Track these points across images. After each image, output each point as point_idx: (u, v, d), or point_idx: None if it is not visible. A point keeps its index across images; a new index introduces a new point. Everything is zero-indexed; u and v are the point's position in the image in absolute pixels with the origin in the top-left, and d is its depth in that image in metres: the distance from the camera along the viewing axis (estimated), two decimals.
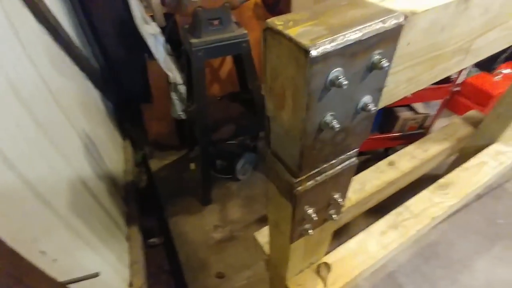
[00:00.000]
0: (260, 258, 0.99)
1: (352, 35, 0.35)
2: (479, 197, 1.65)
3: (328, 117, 0.41)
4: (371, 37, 0.36)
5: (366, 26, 0.36)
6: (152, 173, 2.01)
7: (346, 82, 0.36)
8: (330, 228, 0.74)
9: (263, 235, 0.95)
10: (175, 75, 1.67)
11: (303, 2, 1.63)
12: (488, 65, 0.94)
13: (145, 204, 1.79)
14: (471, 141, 1.40)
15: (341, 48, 0.35)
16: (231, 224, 1.65)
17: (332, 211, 0.63)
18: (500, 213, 1.57)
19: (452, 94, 1.64)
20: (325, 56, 0.34)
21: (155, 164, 2.06)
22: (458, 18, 0.47)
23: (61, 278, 0.74)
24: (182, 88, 1.74)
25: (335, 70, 0.36)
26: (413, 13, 0.40)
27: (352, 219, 1.23)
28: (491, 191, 1.68)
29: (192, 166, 2.01)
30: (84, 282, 0.81)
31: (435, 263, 1.39)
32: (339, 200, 0.60)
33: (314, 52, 0.33)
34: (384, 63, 0.38)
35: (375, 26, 0.37)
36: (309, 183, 0.52)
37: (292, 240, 0.62)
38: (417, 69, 0.50)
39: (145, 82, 1.87)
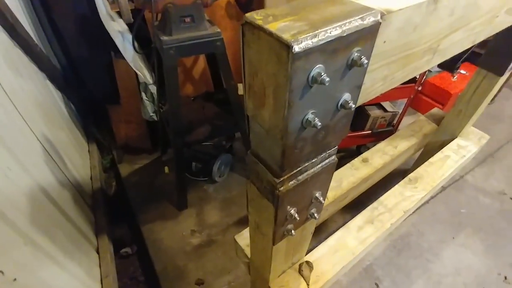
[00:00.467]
0: (240, 261, 0.97)
1: (333, 31, 0.35)
2: (443, 189, 1.77)
3: (310, 115, 0.40)
4: (351, 33, 0.36)
5: (346, 23, 0.36)
6: (122, 179, 1.90)
7: (328, 79, 0.35)
8: (311, 227, 0.74)
9: (243, 238, 0.93)
10: (145, 74, 1.59)
11: (277, 1, 1.64)
12: (451, 65, 1.01)
13: (116, 212, 1.69)
14: (435, 137, 1.49)
15: (323, 44, 0.34)
16: (208, 228, 1.61)
17: (313, 210, 0.63)
18: (463, 203, 1.70)
19: (415, 93, 1.74)
20: (307, 52, 0.33)
21: (125, 169, 1.95)
22: (428, 18, 0.48)
23: None
24: (153, 88, 1.67)
25: (316, 66, 0.35)
26: (389, 12, 0.41)
27: (329, 216, 1.26)
28: (454, 182, 1.81)
29: (166, 169, 1.94)
30: None
31: (407, 254, 1.46)
32: (320, 199, 0.60)
33: (296, 48, 0.32)
34: (364, 60, 0.38)
35: (355, 23, 0.36)
36: (291, 182, 0.51)
37: (274, 242, 0.61)
38: (392, 68, 0.51)
39: (112, 82, 1.77)
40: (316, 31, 0.34)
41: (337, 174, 1.20)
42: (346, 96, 0.43)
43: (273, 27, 0.34)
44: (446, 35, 0.57)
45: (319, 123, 0.40)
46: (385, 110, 1.83)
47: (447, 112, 1.42)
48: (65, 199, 1.21)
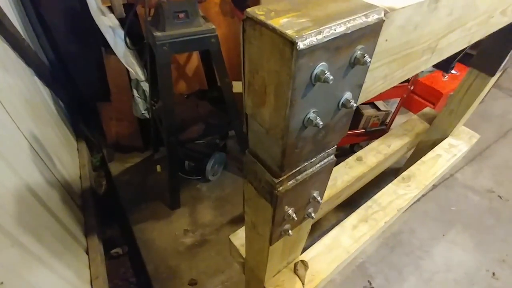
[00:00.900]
0: (234, 261, 0.96)
1: (338, 28, 0.34)
2: (434, 187, 1.80)
3: (311, 114, 0.39)
4: (354, 31, 0.35)
5: (349, 20, 0.35)
6: (112, 178, 1.86)
7: (332, 77, 0.34)
8: (307, 226, 0.74)
9: (238, 238, 0.92)
10: (137, 71, 1.56)
11: None
12: (446, 65, 1.01)
13: (106, 212, 1.65)
14: (427, 136, 1.51)
15: (327, 41, 0.33)
16: (202, 227, 1.59)
17: (310, 210, 0.62)
18: (453, 201, 1.73)
19: (408, 93, 1.76)
20: (312, 49, 0.32)
21: (115, 168, 1.91)
22: (429, 17, 0.48)
23: None
24: (145, 85, 1.63)
25: (320, 64, 0.34)
26: (392, 9, 0.40)
27: (323, 214, 1.26)
28: (444, 180, 1.84)
29: (158, 168, 1.90)
30: None
31: (399, 251, 1.48)
32: (317, 198, 0.59)
33: (301, 45, 0.31)
34: (367, 58, 0.37)
35: (359, 20, 0.36)
36: (290, 182, 0.51)
37: (271, 242, 0.60)
38: (392, 66, 0.51)
39: (102, 79, 1.72)
40: (321, 28, 0.33)
41: (332, 172, 1.20)
42: (348, 95, 0.43)
43: (276, 22, 0.33)
44: (444, 35, 0.57)
45: (321, 122, 0.39)
46: (378, 109, 1.84)
47: (439, 112, 1.44)
48: (53, 199, 1.17)
